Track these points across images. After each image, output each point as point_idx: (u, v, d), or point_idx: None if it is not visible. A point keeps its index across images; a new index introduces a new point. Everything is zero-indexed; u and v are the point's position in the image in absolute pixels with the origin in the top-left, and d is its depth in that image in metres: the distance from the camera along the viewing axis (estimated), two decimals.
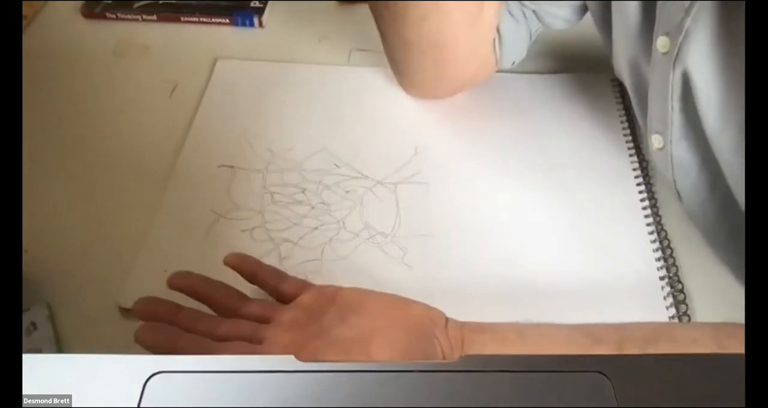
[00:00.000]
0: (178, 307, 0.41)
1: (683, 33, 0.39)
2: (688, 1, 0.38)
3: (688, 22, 0.39)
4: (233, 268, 0.43)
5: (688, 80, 0.41)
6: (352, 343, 0.37)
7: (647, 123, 0.46)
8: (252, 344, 0.38)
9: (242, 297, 0.43)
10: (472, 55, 0.53)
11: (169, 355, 0.27)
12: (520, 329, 0.40)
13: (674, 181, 0.46)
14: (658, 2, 0.41)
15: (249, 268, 0.44)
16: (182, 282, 0.42)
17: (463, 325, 0.40)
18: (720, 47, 0.38)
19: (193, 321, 0.40)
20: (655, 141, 0.46)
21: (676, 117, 0.43)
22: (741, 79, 0.38)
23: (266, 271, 0.44)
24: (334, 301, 0.40)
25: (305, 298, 0.41)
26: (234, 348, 0.38)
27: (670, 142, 0.44)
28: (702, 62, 0.39)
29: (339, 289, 0.41)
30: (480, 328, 0.40)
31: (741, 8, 0.36)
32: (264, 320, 0.40)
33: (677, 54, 0.40)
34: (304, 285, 0.43)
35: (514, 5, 0.52)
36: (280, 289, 0.43)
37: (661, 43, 0.41)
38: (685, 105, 0.42)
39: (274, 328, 0.39)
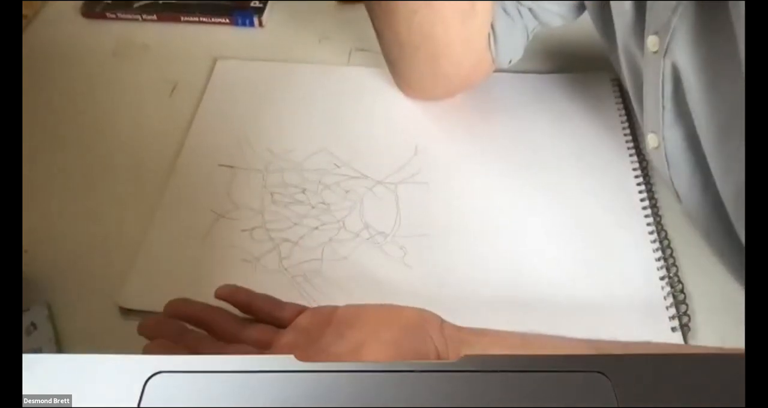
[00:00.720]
0: (184, 328, 0.41)
1: (670, 32, 0.39)
2: (675, 1, 0.39)
3: (675, 20, 0.39)
4: (224, 300, 0.43)
5: (678, 78, 0.41)
6: (346, 354, 0.36)
7: (644, 122, 0.46)
8: None
9: (241, 322, 0.42)
10: (466, 52, 0.53)
11: (170, 356, 0.27)
12: (524, 337, 0.40)
13: (671, 181, 0.46)
14: (648, 2, 0.41)
15: (242, 298, 0.43)
16: (181, 309, 0.42)
17: (460, 328, 0.39)
18: (703, 44, 0.39)
19: (198, 344, 0.40)
20: (651, 140, 0.46)
21: (667, 116, 0.43)
22: (723, 76, 0.38)
23: (260, 300, 0.43)
24: (331, 321, 0.40)
25: (302, 321, 0.41)
26: None
27: (663, 140, 0.44)
28: (687, 60, 0.39)
29: (335, 308, 0.41)
30: (481, 331, 0.40)
31: (722, 5, 0.36)
32: (264, 345, 0.40)
33: (666, 52, 0.40)
34: (300, 309, 0.42)
35: (509, 3, 0.52)
36: (276, 315, 0.42)
37: (651, 42, 0.41)
38: (675, 104, 0.42)
39: (273, 352, 0.39)
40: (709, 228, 0.46)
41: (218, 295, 0.42)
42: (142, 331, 0.41)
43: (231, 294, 0.43)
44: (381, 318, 0.39)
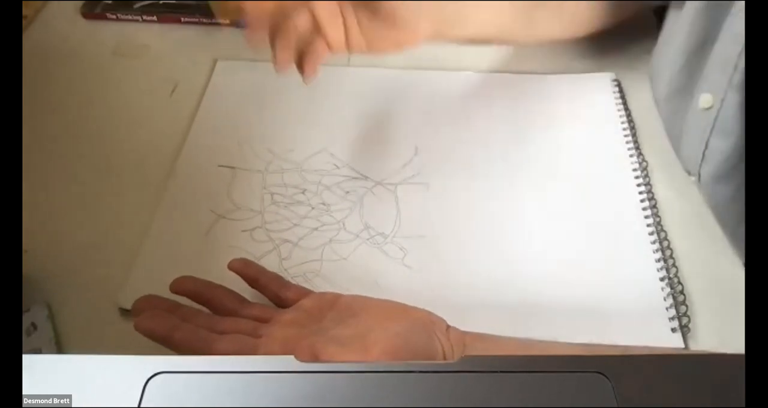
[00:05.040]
0: (178, 305, 0.42)
1: None
2: None
3: None
4: (236, 272, 0.44)
5: None
6: (350, 339, 0.37)
7: (699, 79, 0.45)
8: (250, 337, 0.39)
9: (243, 300, 0.43)
10: None
11: (170, 356, 0.27)
12: (524, 343, 0.40)
13: (705, 146, 0.46)
14: None
15: (252, 273, 0.44)
16: (185, 286, 0.43)
17: (465, 332, 0.40)
18: None
19: (192, 316, 0.41)
20: (702, 100, 0.45)
21: (737, 76, 0.42)
22: None
23: (269, 277, 0.44)
24: (334, 307, 0.41)
25: (305, 303, 0.42)
26: (232, 340, 0.38)
27: (723, 101, 0.43)
28: None
29: (339, 295, 0.42)
30: (483, 336, 0.40)
31: None
32: (263, 321, 0.41)
33: None
34: (305, 292, 0.43)
35: None
36: (281, 295, 0.43)
37: None
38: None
39: (272, 326, 0.40)
40: (725, 207, 0.45)
41: (231, 267, 0.44)
42: (136, 306, 0.41)
43: (242, 267, 0.44)
44: (389, 311, 0.40)
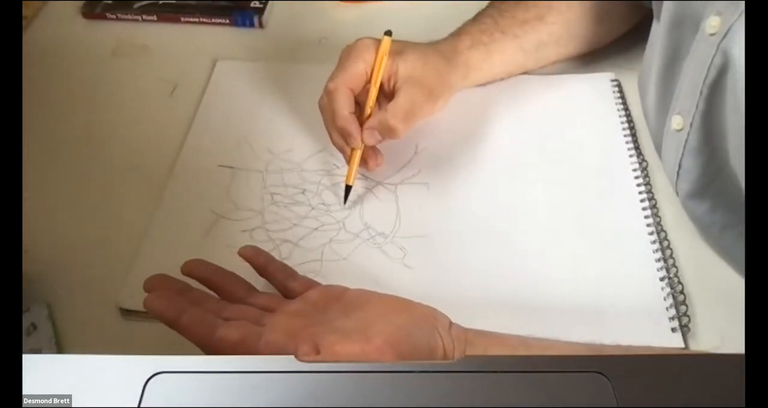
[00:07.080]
0: (189, 287, 0.42)
1: (735, 18, 0.38)
2: None
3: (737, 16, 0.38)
4: (246, 259, 0.45)
5: (725, 68, 0.40)
6: (353, 330, 0.37)
7: (672, 101, 0.46)
8: (254, 325, 0.39)
9: (252, 289, 0.44)
10: None
11: (170, 356, 0.27)
12: (525, 340, 0.40)
13: (679, 166, 0.46)
14: None
15: (261, 261, 0.45)
16: (195, 269, 0.43)
17: (467, 329, 0.40)
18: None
19: (201, 300, 0.41)
20: (674, 122, 0.45)
21: (702, 102, 0.42)
22: None
23: (277, 266, 0.45)
24: (340, 300, 0.41)
25: (311, 294, 0.42)
26: (236, 327, 0.38)
27: (690, 125, 0.44)
28: (742, 53, 0.38)
29: (345, 289, 0.42)
30: (484, 333, 0.40)
31: None
32: (269, 310, 0.41)
33: (724, 37, 0.39)
34: (312, 284, 0.44)
35: None
36: (288, 285, 0.44)
37: (711, 23, 0.41)
38: (713, 92, 0.42)
39: (277, 315, 0.40)
40: (706, 219, 0.45)
41: (241, 254, 0.45)
42: (147, 283, 0.41)
43: (253, 255, 0.45)
44: (393, 306, 0.40)
